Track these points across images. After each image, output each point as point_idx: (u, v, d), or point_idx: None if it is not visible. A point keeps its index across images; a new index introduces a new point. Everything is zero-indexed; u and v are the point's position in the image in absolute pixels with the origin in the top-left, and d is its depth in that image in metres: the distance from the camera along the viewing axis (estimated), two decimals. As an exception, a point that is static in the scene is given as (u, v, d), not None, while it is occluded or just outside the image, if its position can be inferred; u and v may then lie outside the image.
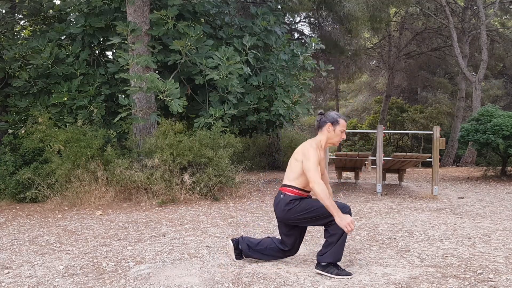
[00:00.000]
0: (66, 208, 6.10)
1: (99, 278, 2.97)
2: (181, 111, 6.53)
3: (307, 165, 2.89)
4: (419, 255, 3.42)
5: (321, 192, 2.80)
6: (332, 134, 3.03)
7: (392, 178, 10.17)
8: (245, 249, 3.19)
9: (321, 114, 3.13)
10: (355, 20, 12.04)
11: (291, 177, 3.01)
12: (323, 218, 2.90)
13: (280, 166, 14.24)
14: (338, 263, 2.93)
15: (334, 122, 3.02)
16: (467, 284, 2.74)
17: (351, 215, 2.93)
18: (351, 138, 22.27)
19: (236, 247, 3.24)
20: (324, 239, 2.95)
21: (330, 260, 2.88)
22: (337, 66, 16.00)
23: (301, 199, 2.98)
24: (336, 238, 2.88)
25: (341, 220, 2.78)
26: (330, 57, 15.01)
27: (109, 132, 7.75)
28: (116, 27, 7.05)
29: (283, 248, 3.12)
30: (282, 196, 3.00)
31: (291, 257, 3.35)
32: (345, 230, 2.78)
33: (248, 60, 7.75)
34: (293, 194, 2.98)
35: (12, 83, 7.70)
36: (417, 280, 2.83)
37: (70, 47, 7.82)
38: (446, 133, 17.94)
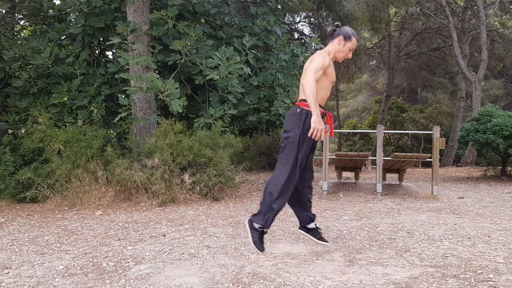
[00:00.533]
0: (66, 208, 6.10)
1: (99, 278, 2.97)
2: (181, 111, 6.53)
3: (308, 65, 2.84)
4: (419, 255, 3.42)
5: (309, 89, 2.72)
6: (341, 48, 2.94)
7: (392, 178, 10.17)
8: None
9: (336, 25, 3.05)
10: (355, 20, 12.04)
11: (302, 91, 2.95)
12: (290, 150, 2.89)
13: (280, 166, 14.21)
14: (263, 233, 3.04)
15: (347, 37, 2.94)
16: (467, 284, 2.74)
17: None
18: (351, 138, 22.27)
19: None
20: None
21: (254, 221, 3.00)
22: (337, 66, 15.99)
23: (307, 115, 2.89)
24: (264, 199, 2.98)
25: (316, 122, 2.74)
26: (330, 57, 14.99)
27: (109, 132, 7.75)
28: (116, 27, 7.05)
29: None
30: (297, 109, 2.94)
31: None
32: (312, 131, 2.75)
33: (248, 60, 7.75)
34: (307, 108, 2.89)
35: (12, 83, 7.70)
36: (417, 280, 2.83)
37: (70, 47, 7.82)
38: (446, 133, 17.94)
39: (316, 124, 2.73)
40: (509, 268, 3.06)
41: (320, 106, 2.94)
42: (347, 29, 2.99)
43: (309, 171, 3.15)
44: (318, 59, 2.84)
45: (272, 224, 4.62)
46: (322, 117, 2.97)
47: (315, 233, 3.31)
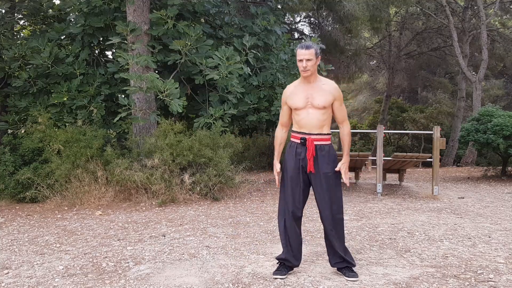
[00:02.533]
0: (66, 208, 6.09)
1: (99, 278, 2.96)
2: (181, 111, 6.53)
3: None
4: (419, 255, 3.42)
5: (275, 137, 3.11)
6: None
7: (392, 178, 10.16)
8: None
9: None
10: (355, 20, 12.04)
11: None
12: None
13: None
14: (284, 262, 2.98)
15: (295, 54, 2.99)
16: (467, 284, 2.74)
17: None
18: (351, 138, 22.26)
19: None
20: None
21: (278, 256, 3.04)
22: (337, 66, 15.98)
23: (290, 147, 3.03)
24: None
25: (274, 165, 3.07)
26: (330, 57, 15.01)
27: (109, 132, 7.74)
28: (116, 27, 7.04)
29: None
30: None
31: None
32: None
33: (248, 60, 7.74)
34: (291, 138, 3.06)
35: (12, 83, 7.69)
36: (417, 280, 2.82)
37: (70, 47, 7.81)
38: (446, 133, 17.91)
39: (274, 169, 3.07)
40: (510, 268, 3.05)
41: (295, 131, 3.01)
42: None
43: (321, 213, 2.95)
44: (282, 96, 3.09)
45: (274, 225, 4.62)
46: (303, 144, 2.91)
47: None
